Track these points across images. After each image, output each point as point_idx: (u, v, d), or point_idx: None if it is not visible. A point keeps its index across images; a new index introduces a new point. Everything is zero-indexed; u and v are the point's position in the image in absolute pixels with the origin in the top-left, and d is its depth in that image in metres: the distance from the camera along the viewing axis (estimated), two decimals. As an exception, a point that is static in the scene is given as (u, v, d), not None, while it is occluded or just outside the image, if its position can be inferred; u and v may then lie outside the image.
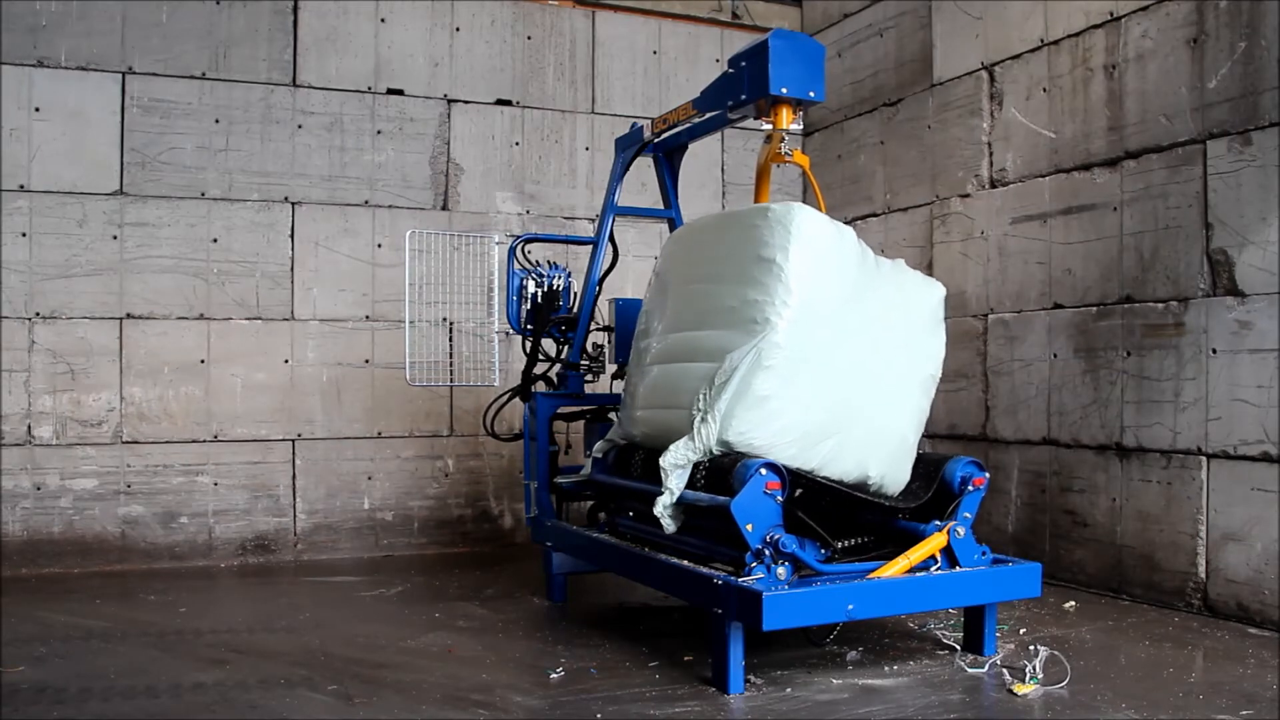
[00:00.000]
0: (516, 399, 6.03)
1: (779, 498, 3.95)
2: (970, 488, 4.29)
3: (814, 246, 4.20)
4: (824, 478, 4.22)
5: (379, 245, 7.20)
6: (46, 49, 6.47)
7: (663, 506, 4.22)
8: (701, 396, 4.20)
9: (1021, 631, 4.83)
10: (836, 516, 4.44)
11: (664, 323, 4.83)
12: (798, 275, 4.14)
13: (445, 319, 7.24)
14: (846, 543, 4.28)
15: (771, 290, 4.15)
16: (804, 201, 8.46)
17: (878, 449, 4.34)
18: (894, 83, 7.41)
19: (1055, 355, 6.01)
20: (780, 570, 3.89)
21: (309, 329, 7.02)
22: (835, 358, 4.22)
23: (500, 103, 7.57)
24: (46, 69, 6.47)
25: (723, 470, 4.11)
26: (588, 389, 5.88)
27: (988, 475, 4.37)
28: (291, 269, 7.00)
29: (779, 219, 4.23)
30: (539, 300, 5.84)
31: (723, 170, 8.27)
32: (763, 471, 3.93)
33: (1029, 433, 6.19)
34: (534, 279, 5.86)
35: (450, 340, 7.26)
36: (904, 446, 4.47)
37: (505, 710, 3.74)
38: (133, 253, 6.64)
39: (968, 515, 4.26)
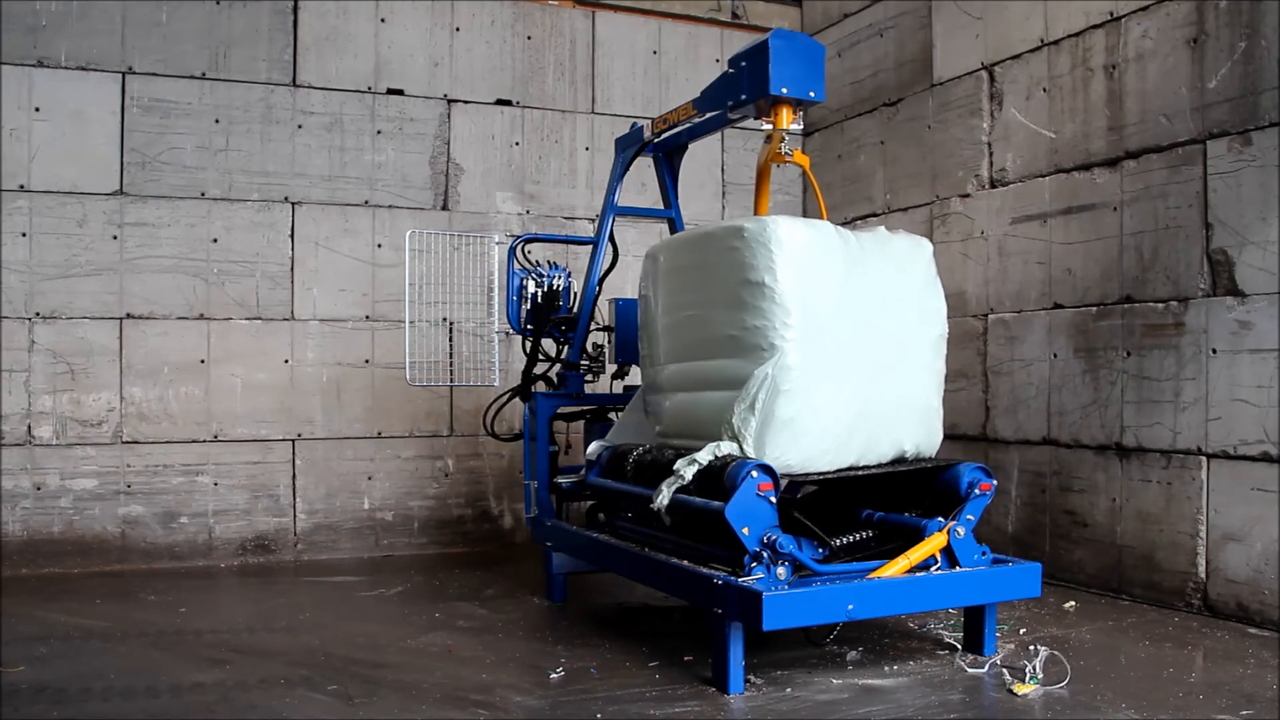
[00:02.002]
0: (516, 399, 6.04)
1: (773, 498, 3.95)
2: (977, 492, 4.30)
3: (798, 258, 4.15)
4: (864, 467, 4.31)
5: (379, 245, 7.20)
6: (46, 49, 6.47)
7: (682, 480, 4.20)
8: (727, 427, 4.20)
9: (1021, 631, 4.83)
10: (835, 513, 4.45)
11: (668, 350, 4.82)
12: (791, 293, 4.11)
13: (445, 319, 7.24)
14: (844, 540, 4.28)
15: (769, 314, 4.12)
16: (804, 201, 8.48)
17: (908, 422, 4.45)
18: (894, 83, 7.41)
19: (1055, 355, 6.01)
20: (780, 570, 3.89)
21: (309, 329, 7.02)
22: (847, 355, 4.24)
23: (500, 103, 7.57)
24: (46, 69, 6.47)
25: (715, 474, 4.10)
26: (588, 389, 5.88)
27: (995, 482, 4.38)
28: (291, 269, 7.00)
29: (757, 238, 4.17)
30: (539, 300, 5.84)
31: (723, 170, 8.28)
32: (754, 474, 3.93)
33: (1029, 433, 6.19)
34: (534, 279, 5.86)
35: (450, 340, 7.26)
36: (930, 410, 4.57)
37: (505, 710, 3.74)
38: (133, 253, 6.64)
39: (970, 518, 4.26)
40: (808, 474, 4.21)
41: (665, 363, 4.84)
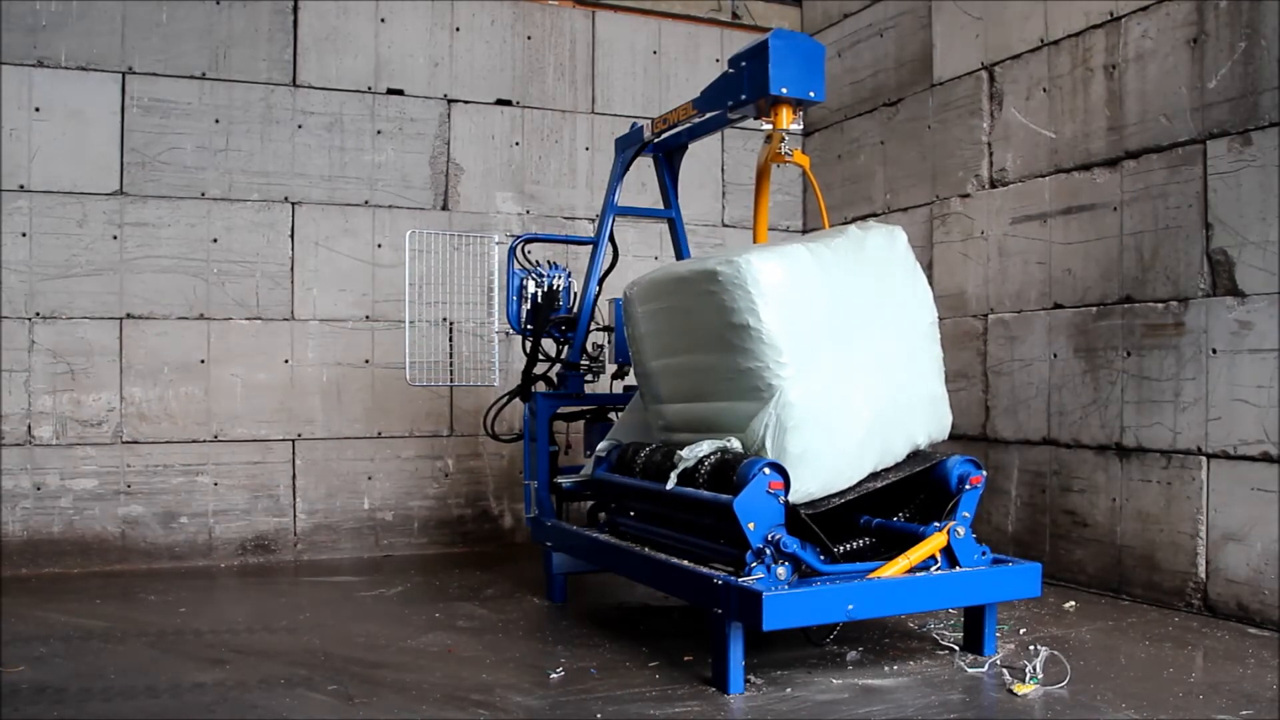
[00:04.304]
0: (517, 399, 6.04)
1: (782, 497, 3.95)
2: (968, 486, 4.28)
3: (777, 293, 4.10)
4: (883, 470, 4.32)
5: (379, 245, 7.20)
6: (46, 49, 6.47)
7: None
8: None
9: (1021, 631, 4.83)
10: (834, 520, 4.45)
11: (668, 391, 4.81)
12: (777, 331, 4.07)
13: (445, 319, 7.24)
14: (847, 547, 4.28)
15: (760, 355, 4.08)
16: (804, 201, 8.49)
17: (918, 416, 4.44)
18: (894, 83, 7.41)
19: (1055, 355, 6.01)
20: (780, 570, 3.89)
21: (309, 329, 7.02)
22: (846, 372, 4.21)
23: (500, 103, 7.57)
24: (46, 69, 6.47)
25: (726, 469, 4.12)
26: (588, 389, 5.88)
27: (985, 474, 4.37)
28: (291, 269, 7.00)
29: (733, 281, 4.11)
30: (539, 300, 5.84)
31: (723, 170, 8.28)
32: (766, 471, 3.94)
33: (1029, 433, 6.19)
34: (534, 279, 5.86)
35: (450, 340, 7.26)
36: (937, 398, 4.56)
37: (505, 710, 3.74)
38: (133, 253, 6.64)
39: (966, 515, 4.26)
40: (829, 496, 4.20)
41: (668, 401, 4.85)
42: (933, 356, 4.59)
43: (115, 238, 6.60)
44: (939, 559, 4.18)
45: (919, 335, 4.54)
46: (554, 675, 4.15)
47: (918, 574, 4.08)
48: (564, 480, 5.55)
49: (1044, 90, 6.13)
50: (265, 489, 6.90)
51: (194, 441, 6.75)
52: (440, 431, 7.34)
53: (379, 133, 7.23)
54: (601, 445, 5.24)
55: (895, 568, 4.04)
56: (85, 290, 6.53)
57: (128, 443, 6.60)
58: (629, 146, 5.80)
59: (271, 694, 3.94)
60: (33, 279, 6.43)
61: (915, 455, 4.51)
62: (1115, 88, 5.67)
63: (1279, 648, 4.51)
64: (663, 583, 4.56)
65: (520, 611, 5.36)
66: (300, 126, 7.03)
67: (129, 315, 6.62)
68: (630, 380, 6.01)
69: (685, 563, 4.27)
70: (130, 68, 6.64)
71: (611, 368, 6.05)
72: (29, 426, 6.41)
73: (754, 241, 5.32)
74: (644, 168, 6.56)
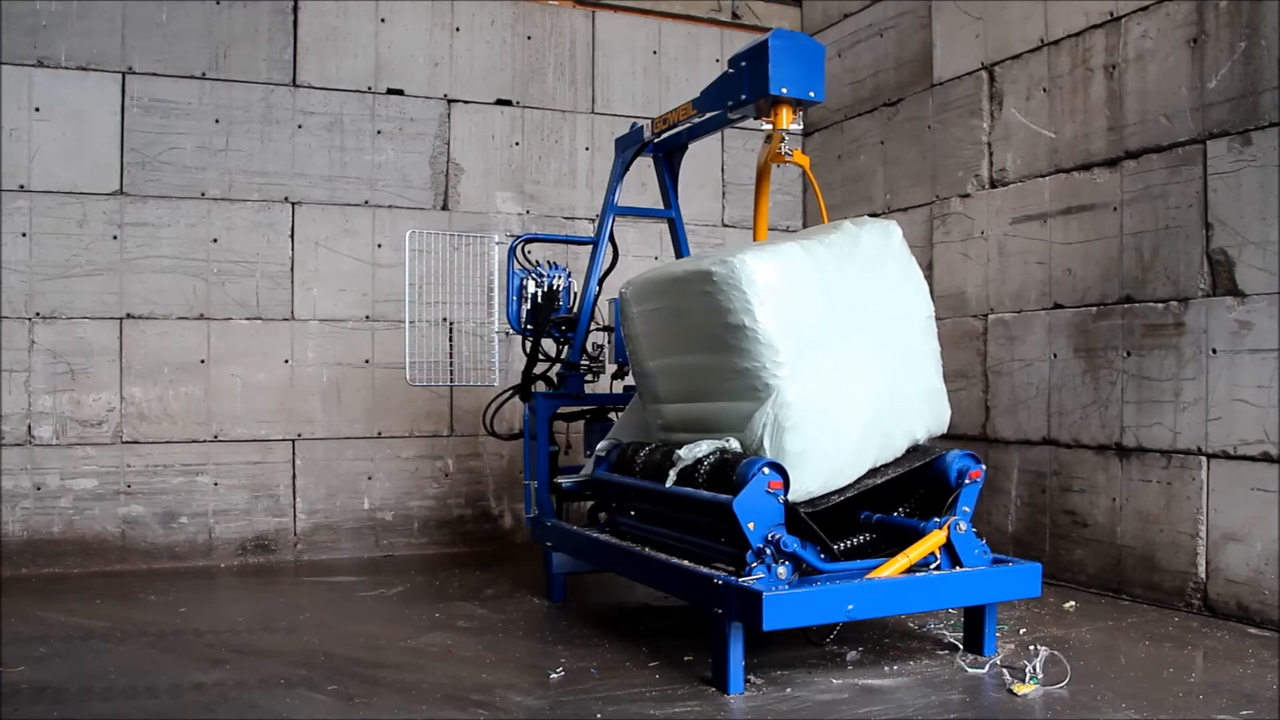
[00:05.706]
0: (516, 398, 6.04)
1: (781, 497, 3.95)
2: (967, 480, 4.27)
3: (772, 293, 4.09)
4: (883, 466, 4.32)
5: (379, 245, 7.20)
6: (46, 49, 6.47)
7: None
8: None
9: (1021, 631, 4.83)
10: (834, 516, 4.45)
11: (666, 391, 4.82)
12: (773, 331, 4.07)
13: (445, 319, 7.24)
14: (847, 543, 4.28)
15: (757, 355, 4.08)
16: (804, 201, 8.49)
17: (916, 411, 4.43)
18: (894, 83, 7.41)
19: (1055, 355, 6.01)
20: (781, 570, 3.89)
21: (309, 329, 7.02)
22: (844, 370, 4.20)
23: (500, 103, 7.57)
24: (46, 69, 6.47)
25: (725, 468, 4.11)
26: (587, 389, 5.88)
27: (984, 468, 4.36)
28: (291, 269, 7.00)
29: (728, 281, 4.10)
30: (539, 300, 5.84)
31: (723, 170, 8.28)
32: (765, 470, 3.94)
33: (1029, 433, 6.19)
34: (534, 279, 5.86)
35: (450, 340, 7.26)
36: (935, 392, 4.56)
37: (505, 710, 3.74)
38: (133, 253, 6.64)
39: (966, 509, 4.25)
40: (829, 494, 4.20)
41: (666, 401, 4.85)
42: (930, 350, 4.59)
43: (115, 238, 6.60)
44: (939, 556, 4.18)
45: (916, 329, 4.53)
46: (554, 675, 4.15)
47: (918, 574, 4.08)
48: (564, 480, 5.55)
49: (1044, 90, 6.13)
50: (265, 489, 6.90)
51: (194, 441, 6.75)
52: (440, 431, 7.34)
53: (379, 133, 7.23)
54: (601, 445, 5.24)
55: (895, 566, 4.04)
56: (85, 290, 6.53)
57: (128, 443, 6.60)
58: (629, 146, 5.80)
59: (271, 694, 3.94)
60: (33, 279, 6.43)
61: (915, 450, 4.51)
62: (1115, 88, 5.67)
63: (1279, 648, 4.51)
64: (663, 583, 4.56)
65: (520, 611, 5.36)
66: (300, 126, 7.03)
67: (129, 315, 6.62)
68: (630, 380, 6.01)
69: (685, 563, 4.27)
70: (130, 68, 6.64)
71: (611, 368, 6.05)
72: (29, 426, 6.41)
73: (754, 241, 5.32)
74: (644, 168, 6.56)
